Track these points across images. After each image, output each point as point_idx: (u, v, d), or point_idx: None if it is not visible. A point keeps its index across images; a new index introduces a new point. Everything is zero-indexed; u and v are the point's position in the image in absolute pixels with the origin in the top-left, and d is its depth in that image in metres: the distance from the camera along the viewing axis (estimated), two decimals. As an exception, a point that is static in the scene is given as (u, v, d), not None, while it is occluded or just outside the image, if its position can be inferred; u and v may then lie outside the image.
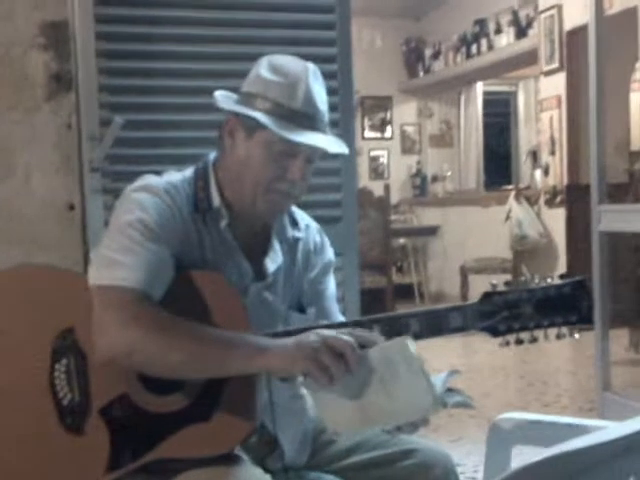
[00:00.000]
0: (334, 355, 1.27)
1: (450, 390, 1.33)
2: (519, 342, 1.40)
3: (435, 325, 1.37)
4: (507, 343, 1.40)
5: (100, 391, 1.35)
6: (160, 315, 1.32)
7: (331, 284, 1.62)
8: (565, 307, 1.39)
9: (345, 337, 1.29)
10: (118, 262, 1.34)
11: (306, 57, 1.49)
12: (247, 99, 1.45)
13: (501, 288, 1.40)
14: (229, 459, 1.35)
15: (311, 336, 1.30)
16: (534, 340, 1.40)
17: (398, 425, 1.34)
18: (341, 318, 1.60)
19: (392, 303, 6.27)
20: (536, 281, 1.41)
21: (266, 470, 1.40)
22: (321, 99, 1.45)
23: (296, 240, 1.57)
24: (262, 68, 1.45)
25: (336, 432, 1.36)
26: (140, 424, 1.35)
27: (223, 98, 1.48)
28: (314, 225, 1.63)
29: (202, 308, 1.36)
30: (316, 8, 2.62)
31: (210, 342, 1.31)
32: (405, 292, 7.55)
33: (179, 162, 1.57)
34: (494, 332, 1.40)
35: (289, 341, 1.31)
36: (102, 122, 2.38)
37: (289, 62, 1.46)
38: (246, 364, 1.31)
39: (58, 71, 2.37)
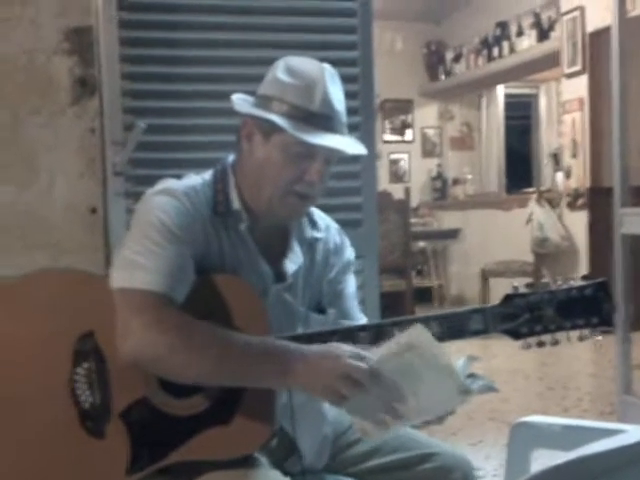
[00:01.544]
0: (350, 384, 1.27)
1: (471, 375, 1.31)
2: (541, 344, 1.39)
3: (456, 328, 1.37)
4: (529, 346, 1.39)
5: (120, 394, 1.35)
6: (185, 320, 1.32)
7: (351, 283, 1.61)
8: (587, 309, 1.38)
9: (356, 363, 1.28)
10: (140, 265, 1.34)
11: (327, 61, 1.48)
12: (264, 102, 1.44)
13: (523, 290, 1.40)
14: (248, 462, 1.36)
15: (330, 361, 1.29)
16: (556, 343, 1.39)
17: (427, 420, 1.34)
18: (362, 317, 1.60)
19: (411, 307, 6.25)
20: (558, 283, 1.40)
21: (285, 473, 1.41)
22: (338, 100, 1.44)
23: (315, 240, 1.57)
24: (278, 70, 1.45)
25: (366, 435, 1.36)
26: (160, 427, 1.35)
27: (240, 101, 1.48)
28: (334, 225, 1.63)
29: (223, 311, 1.37)
30: (338, 12, 2.63)
31: (236, 355, 1.31)
32: (425, 296, 7.53)
33: (201, 166, 1.57)
34: (516, 335, 1.39)
35: (312, 360, 1.30)
36: (125, 126, 2.40)
37: (305, 64, 1.45)
38: (269, 382, 1.34)
39: (82, 76, 2.39)
